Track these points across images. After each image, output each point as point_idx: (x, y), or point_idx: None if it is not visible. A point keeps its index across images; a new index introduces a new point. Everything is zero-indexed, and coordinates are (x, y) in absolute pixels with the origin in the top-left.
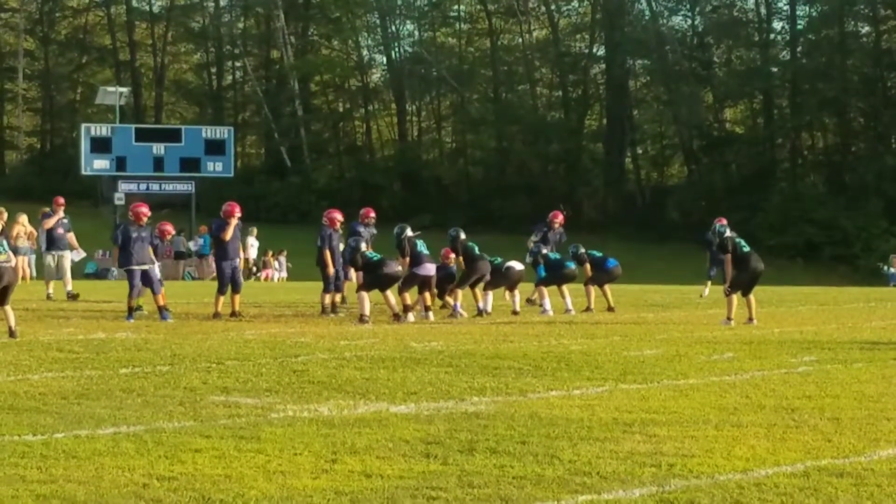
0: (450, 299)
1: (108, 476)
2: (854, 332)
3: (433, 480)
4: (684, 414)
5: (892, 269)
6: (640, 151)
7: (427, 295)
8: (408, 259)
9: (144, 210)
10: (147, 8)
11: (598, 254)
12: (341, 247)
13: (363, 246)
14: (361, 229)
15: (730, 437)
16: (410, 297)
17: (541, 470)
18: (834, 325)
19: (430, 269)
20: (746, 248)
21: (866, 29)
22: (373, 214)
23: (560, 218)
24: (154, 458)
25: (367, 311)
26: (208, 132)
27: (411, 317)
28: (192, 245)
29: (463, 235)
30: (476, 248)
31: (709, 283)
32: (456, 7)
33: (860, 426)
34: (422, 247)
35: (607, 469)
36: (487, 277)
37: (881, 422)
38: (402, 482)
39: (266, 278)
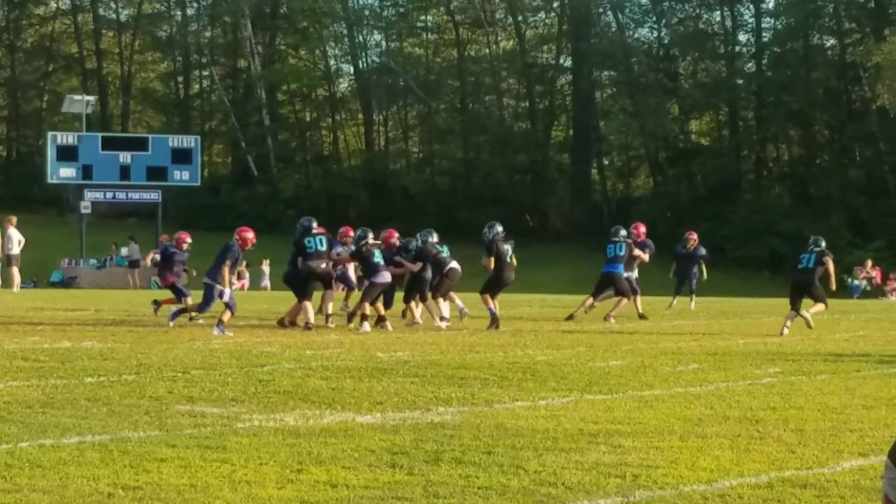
0: (413, 305)
1: (73, 485)
2: (818, 344)
3: (399, 490)
4: (649, 425)
5: (855, 282)
6: (606, 162)
7: (380, 305)
8: (492, 259)
9: (185, 237)
10: (114, 16)
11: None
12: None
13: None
14: (340, 249)
15: (694, 448)
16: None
17: (506, 480)
18: (798, 336)
19: (386, 276)
20: None
21: (831, 42)
22: (352, 233)
23: None
24: (119, 467)
25: (311, 319)
26: (175, 141)
27: (367, 326)
28: (157, 255)
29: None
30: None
31: (693, 295)
32: (423, 17)
33: (824, 438)
34: (378, 256)
35: (572, 479)
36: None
37: (844, 433)
38: (368, 492)
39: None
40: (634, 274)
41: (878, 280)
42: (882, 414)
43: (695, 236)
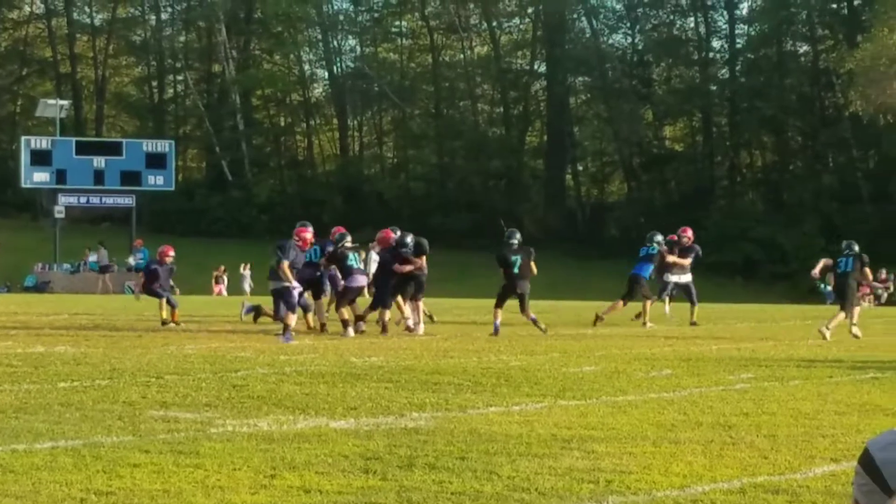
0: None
1: (46, 491)
2: (791, 350)
3: (372, 496)
4: (622, 430)
5: (828, 287)
6: (580, 168)
7: (356, 306)
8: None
9: (168, 251)
10: (88, 21)
11: None
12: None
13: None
14: (331, 248)
15: (667, 453)
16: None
17: (479, 486)
18: (771, 342)
19: (360, 280)
20: None
21: (804, 48)
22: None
23: None
24: (92, 472)
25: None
26: (149, 146)
27: (351, 332)
28: (131, 260)
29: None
30: None
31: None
32: (398, 23)
33: (796, 443)
34: (353, 260)
35: (546, 485)
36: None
37: (817, 439)
38: (341, 497)
39: (219, 293)
40: (688, 277)
41: None
42: (854, 420)
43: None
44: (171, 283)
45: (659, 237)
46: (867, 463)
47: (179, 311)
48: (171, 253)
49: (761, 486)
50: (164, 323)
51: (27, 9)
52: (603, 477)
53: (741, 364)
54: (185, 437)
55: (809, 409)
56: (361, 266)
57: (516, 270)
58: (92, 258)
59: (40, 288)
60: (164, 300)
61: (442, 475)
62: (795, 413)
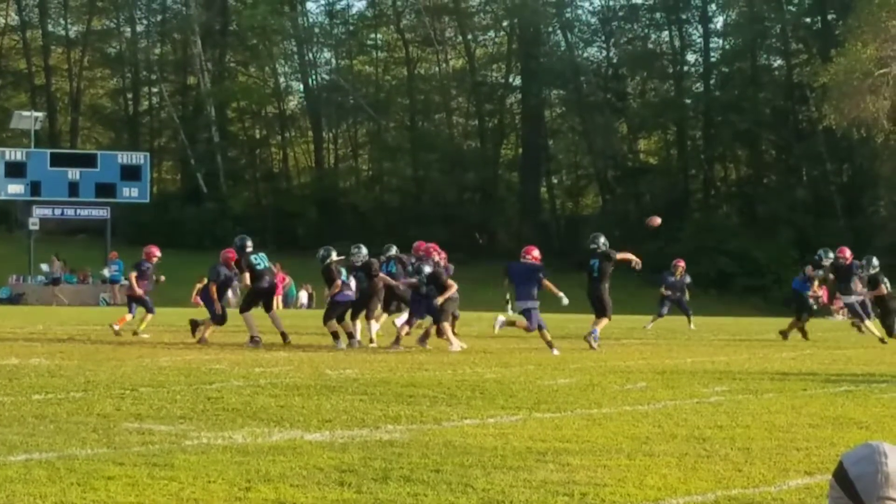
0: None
1: (20, 503)
2: (765, 363)
3: None
4: (597, 443)
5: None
6: (555, 181)
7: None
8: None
9: (154, 251)
10: (63, 33)
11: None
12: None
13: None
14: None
15: (642, 466)
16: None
17: (454, 499)
18: (745, 355)
19: (349, 296)
20: None
21: (778, 62)
22: (424, 247)
23: None
24: (66, 485)
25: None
26: (124, 158)
27: (342, 344)
28: (105, 272)
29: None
30: None
31: (656, 317)
32: (373, 36)
33: (770, 456)
34: (343, 276)
35: (520, 498)
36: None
37: (791, 452)
38: None
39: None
40: (854, 298)
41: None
42: (828, 433)
43: (682, 264)
44: (154, 277)
45: (830, 253)
46: (841, 477)
47: (137, 322)
48: (158, 253)
49: (735, 499)
50: (132, 331)
51: (1, 20)
52: (578, 490)
53: (715, 377)
54: (160, 449)
55: (783, 421)
56: (351, 280)
57: (595, 274)
58: (44, 268)
59: (15, 300)
60: (146, 314)
61: (417, 488)
62: (769, 426)
